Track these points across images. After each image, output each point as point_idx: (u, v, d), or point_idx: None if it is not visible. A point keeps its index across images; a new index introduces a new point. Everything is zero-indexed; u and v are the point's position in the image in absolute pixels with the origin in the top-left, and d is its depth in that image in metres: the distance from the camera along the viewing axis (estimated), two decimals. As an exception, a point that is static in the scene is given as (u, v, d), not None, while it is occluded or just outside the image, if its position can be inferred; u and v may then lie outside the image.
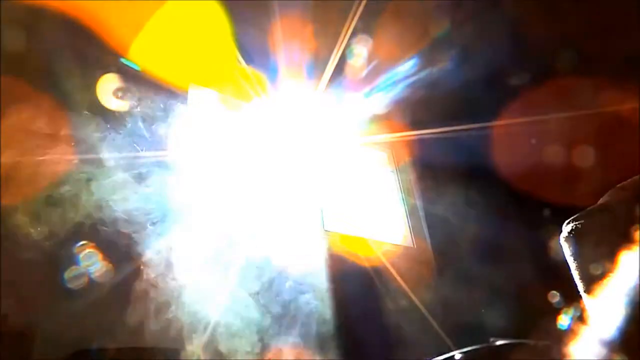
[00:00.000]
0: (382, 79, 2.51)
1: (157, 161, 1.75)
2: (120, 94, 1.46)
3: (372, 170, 2.71)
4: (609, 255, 0.14)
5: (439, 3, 2.18)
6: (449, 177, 2.79)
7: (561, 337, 0.14)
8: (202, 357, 1.34)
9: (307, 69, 2.37)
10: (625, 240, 0.14)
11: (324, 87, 2.29)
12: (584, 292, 0.13)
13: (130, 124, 1.74)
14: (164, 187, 1.74)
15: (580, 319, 0.13)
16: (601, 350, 0.11)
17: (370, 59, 2.37)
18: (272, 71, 2.30)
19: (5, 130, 1.39)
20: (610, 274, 0.13)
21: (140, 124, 1.78)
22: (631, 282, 0.12)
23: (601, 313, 0.13)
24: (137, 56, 1.85)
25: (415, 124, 2.72)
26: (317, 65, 2.33)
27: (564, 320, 0.13)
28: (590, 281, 0.14)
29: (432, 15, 2.22)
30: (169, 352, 1.32)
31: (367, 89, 2.55)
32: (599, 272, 0.14)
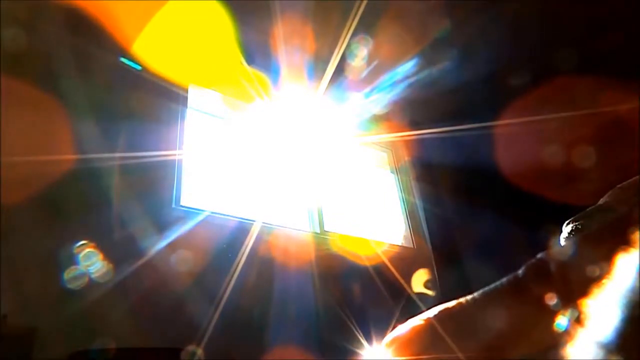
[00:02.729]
0: (382, 79, 2.51)
1: (158, 161, 1.75)
2: (429, 285, 1.46)
3: (372, 170, 2.71)
4: (609, 256, 0.14)
5: (439, 3, 2.18)
6: (449, 177, 2.79)
7: (558, 339, 0.14)
8: (202, 357, 1.34)
9: (307, 69, 2.37)
10: (626, 241, 0.14)
11: (324, 87, 2.29)
12: (583, 293, 0.13)
13: (131, 124, 1.74)
14: (166, 187, 1.74)
15: (578, 320, 0.13)
16: (598, 352, 0.11)
17: (370, 59, 2.37)
18: (273, 72, 2.30)
19: (6, 130, 1.39)
20: (610, 275, 0.13)
21: (142, 124, 1.78)
22: (631, 284, 0.12)
23: (599, 314, 0.12)
24: (139, 56, 1.85)
25: (415, 124, 2.72)
26: (318, 65, 2.34)
27: (561, 321, 0.13)
28: (590, 282, 0.14)
29: (432, 15, 2.22)
30: (169, 352, 1.32)
31: (367, 89, 2.55)
32: (598, 273, 0.14)
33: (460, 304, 0.19)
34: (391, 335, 0.20)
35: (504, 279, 0.19)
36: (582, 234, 0.18)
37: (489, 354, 0.18)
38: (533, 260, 0.19)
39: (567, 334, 0.14)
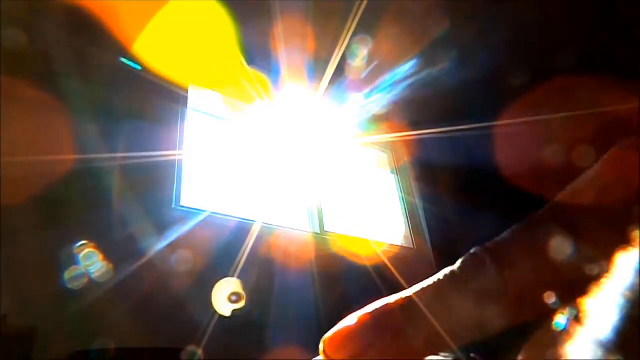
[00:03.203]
0: (382, 80, 2.51)
1: (158, 161, 1.75)
2: (234, 298, 1.47)
3: (372, 170, 2.71)
4: (608, 256, 0.14)
5: (439, 3, 2.18)
6: (449, 177, 2.79)
7: (557, 338, 0.13)
8: (202, 357, 1.35)
9: (307, 69, 2.37)
10: (624, 240, 0.14)
11: (324, 87, 2.29)
12: (583, 291, 0.13)
13: (131, 124, 1.74)
14: (166, 187, 1.74)
15: (577, 319, 0.13)
16: (597, 351, 0.11)
17: (370, 60, 2.37)
18: (273, 72, 2.30)
19: (6, 130, 1.39)
20: (608, 274, 0.13)
21: (142, 124, 1.78)
22: (629, 282, 0.12)
23: (598, 313, 0.12)
24: (139, 56, 1.85)
25: (415, 124, 2.72)
26: (318, 65, 2.33)
27: (561, 320, 0.13)
28: (589, 280, 0.14)
29: (432, 16, 2.22)
30: (169, 352, 1.32)
31: (367, 89, 2.55)
32: (596, 272, 0.14)
33: (402, 299, 0.18)
34: (327, 335, 0.19)
35: (440, 274, 0.19)
36: (581, 232, 0.18)
37: (432, 349, 0.17)
38: (468, 255, 0.19)
39: (566, 333, 0.14)
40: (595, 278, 0.14)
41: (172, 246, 1.57)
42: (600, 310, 0.13)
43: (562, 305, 0.15)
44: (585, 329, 0.13)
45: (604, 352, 0.12)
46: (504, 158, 2.50)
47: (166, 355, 1.30)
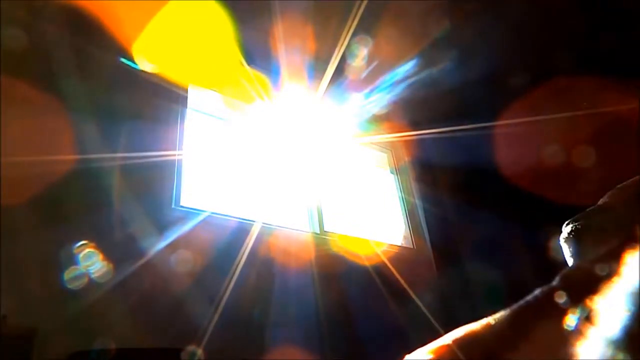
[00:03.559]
0: (382, 79, 2.51)
1: (158, 161, 1.75)
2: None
3: (372, 170, 2.71)
4: (609, 257, 0.14)
5: (439, 3, 2.18)
6: (449, 177, 2.79)
7: (568, 337, 0.13)
8: (202, 357, 1.34)
9: (307, 69, 2.37)
10: (626, 241, 0.14)
11: (324, 87, 2.29)
12: (593, 291, 0.13)
13: (131, 124, 1.74)
14: (166, 187, 1.74)
15: (588, 318, 0.12)
16: (606, 350, 0.11)
17: (370, 60, 2.37)
18: (273, 72, 2.30)
19: (6, 130, 1.39)
20: (610, 275, 0.13)
21: (142, 123, 1.78)
22: (631, 283, 0.12)
23: (608, 312, 0.12)
24: (139, 56, 1.85)
25: (415, 124, 2.72)
26: (318, 65, 2.34)
27: (570, 321, 0.13)
28: (599, 281, 0.14)
29: (432, 16, 2.23)
30: (169, 352, 1.32)
31: (367, 89, 2.56)
32: (607, 272, 0.14)
33: (487, 325, 0.17)
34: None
35: (522, 303, 0.17)
36: (589, 234, 0.18)
37: None
38: (546, 288, 0.17)
39: (577, 332, 0.14)
40: (605, 278, 0.14)
41: (172, 246, 1.57)
42: (610, 309, 0.13)
43: (573, 305, 0.15)
44: (597, 328, 0.13)
45: (613, 351, 0.12)
46: (504, 158, 2.50)
47: (166, 355, 1.30)
